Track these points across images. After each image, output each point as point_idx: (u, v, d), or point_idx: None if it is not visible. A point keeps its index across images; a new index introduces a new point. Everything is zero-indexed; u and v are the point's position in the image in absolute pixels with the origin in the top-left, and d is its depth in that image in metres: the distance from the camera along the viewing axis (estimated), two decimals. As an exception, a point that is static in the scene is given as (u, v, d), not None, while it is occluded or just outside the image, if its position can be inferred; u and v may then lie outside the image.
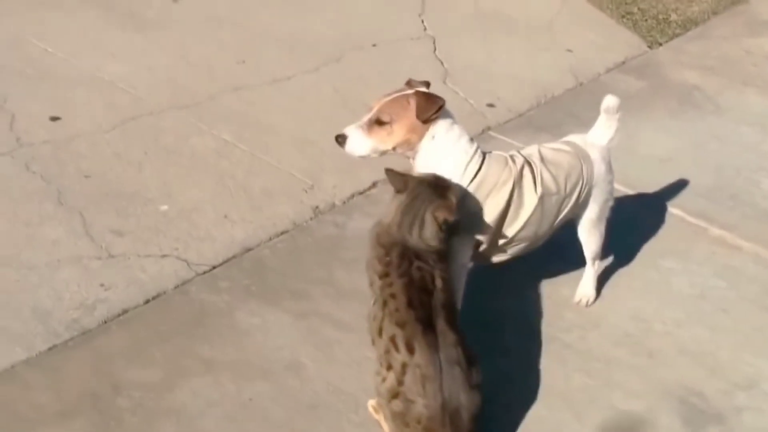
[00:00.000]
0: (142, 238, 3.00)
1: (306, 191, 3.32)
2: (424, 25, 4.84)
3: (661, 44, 4.86)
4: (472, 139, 2.53)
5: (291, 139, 3.67)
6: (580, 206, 2.70)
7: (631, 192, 3.43)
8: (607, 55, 4.66)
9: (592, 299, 2.89)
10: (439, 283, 2.25)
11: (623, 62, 4.60)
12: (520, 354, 2.67)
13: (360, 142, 2.45)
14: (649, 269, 3.10)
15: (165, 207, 3.17)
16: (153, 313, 2.69)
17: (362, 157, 2.50)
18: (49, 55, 4.14)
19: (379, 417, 2.31)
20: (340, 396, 2.44)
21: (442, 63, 4.43)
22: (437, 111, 2.42)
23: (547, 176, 2.55)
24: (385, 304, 2.22)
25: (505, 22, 4.96)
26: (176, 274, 2.84)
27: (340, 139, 2.46)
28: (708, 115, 4.15)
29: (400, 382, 2.13)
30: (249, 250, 2.98)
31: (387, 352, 2.17)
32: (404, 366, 2.13)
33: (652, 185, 3.52)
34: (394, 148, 2.46)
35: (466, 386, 2.15)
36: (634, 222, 3.27)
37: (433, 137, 2.44)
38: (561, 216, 2.63)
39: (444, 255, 2.32)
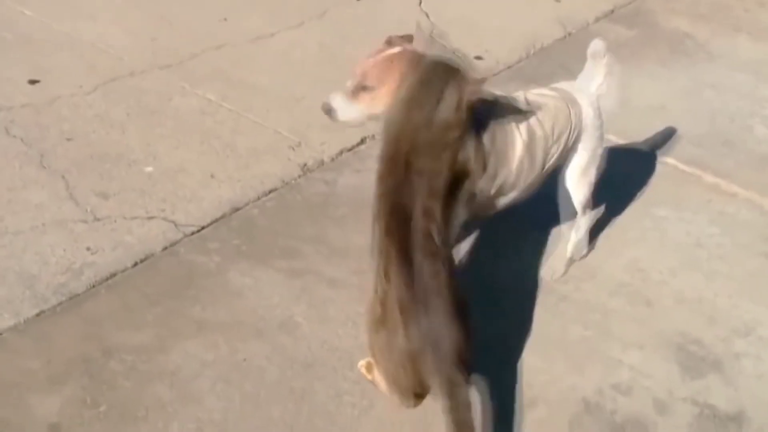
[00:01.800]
0: (128, 200, 2.93)
1: (293, 149, 3.26)
2: (410, -22, 4.74)
3: (650, -8, 4.78)
4: None
5: (276, 97, 3.60)
6: (569, 152, 2.61)
7: (623, 142, 3.38)
8: (596, 3, 4.59)
9: (559, 274, 2.75)
10: (419, 210, 2.00)
11: (612, 11, 4.53)
12: (515, 306, 2.63)
13: (346, 110, 2.34)
14: (643, 218, 3.06)
15: (150, 168, 3.10)
16: (142, 275, 2.63)
17: (350, 124, 2.41)
18: (26, 17, 4.04)
19: (372, 376, 2.27)
20: (335, 353, 2.40)
21: (427, 16, 4.34)
22: None
23: (532, 121, 2.46)
24: (375, 223, 2.05)
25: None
26: (164, 235, 2.78)
27: (326, 108, 2.35)
28: (700, 63, 4.10)
29: (383, 311, 2.02)
30: (237, 209, 2.92)
31: (377, 276, 2.04)
32: (386, 294, 2.01)
33: (644, 134, 3.48)
34: (375, 113, 2.30)
35: (448, 318, 1.97)
36: (627, 172, 3.22)
37: None
38: (549, 162, 2.53)
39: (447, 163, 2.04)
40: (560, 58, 4.02)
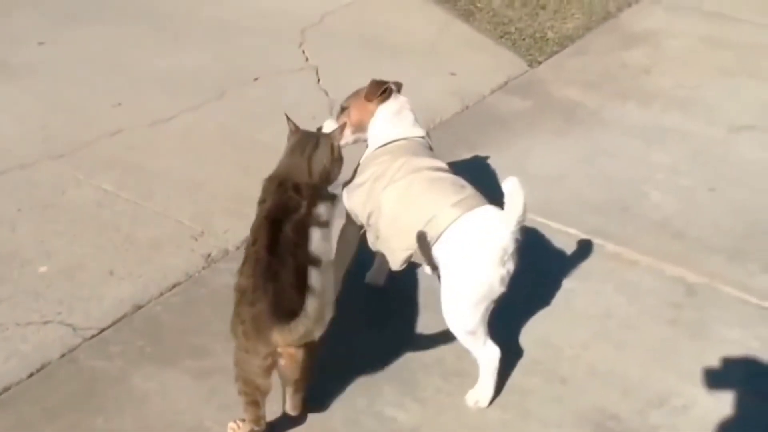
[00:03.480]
0: (21, 304, 2.78)
1: (196, 239, 3.16)
2: (306, 56, 4.75)
3: (540, 62, 4.93)
4: (417, 126, 2.75)
5: (176, 183, 3.51)
6: None
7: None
8: (490, 75, 4.69)
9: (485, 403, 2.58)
10: (303, 209, 2.31)
11: (506, 82, 4.63)
12: (429, 394, 2.60)
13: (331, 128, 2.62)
14: (551, 291, 3.08)
15: (44, 268, 2.95)
16: (38, 387, 2.48)
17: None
18: None
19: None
20: (250, 459, 2.30)
21: (326, 93, 4.35)
22: (382, 93, 2.69)
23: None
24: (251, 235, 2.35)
25: (389, 48, 4.93)
26: (61, 341, 2.63)
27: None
28: (593, 130, 4.22)
29: (240, 273, 2.28)
30: (140, 307, 2.81)
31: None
32: (247, 256, 2.28)
33: (545, 205, 3.53)
34: (353, 132, 2.72)
35: (294, 280, 2.17)
36: (532, 244, 3.26)
37: (378, 117, 2.69)
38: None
39: (320, 196, 2.35)
40: (459, 131, 4.08)
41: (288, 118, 2.54)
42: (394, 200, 2.54)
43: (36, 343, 2.62)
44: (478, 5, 5.54)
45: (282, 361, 2.20)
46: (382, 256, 2.74)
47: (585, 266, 3.22)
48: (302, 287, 2.08)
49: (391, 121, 2.71)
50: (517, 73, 4.76)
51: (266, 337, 2.15)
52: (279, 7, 5.34)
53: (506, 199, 2.34)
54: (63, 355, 2.58)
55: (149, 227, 3.21)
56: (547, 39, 5.17)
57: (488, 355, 2.53)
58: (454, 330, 2.50)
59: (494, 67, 4.79)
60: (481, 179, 3.45)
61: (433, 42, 5.10)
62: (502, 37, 5.16)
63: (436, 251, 2.46)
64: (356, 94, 2.78)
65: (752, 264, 3.27)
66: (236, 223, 3.22)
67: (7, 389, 2.44)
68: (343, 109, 2.78)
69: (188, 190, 3.46)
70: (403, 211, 2.52)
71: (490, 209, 2.49)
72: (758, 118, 4.35)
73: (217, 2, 5.36)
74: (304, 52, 4.80)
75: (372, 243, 2.69)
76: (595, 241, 3.36)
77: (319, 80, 4.49)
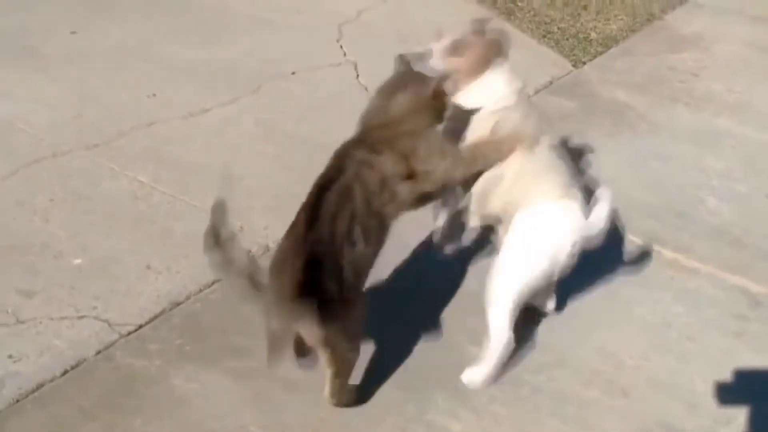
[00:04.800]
0: (55, 297, 2.65)
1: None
2: (344, 51, 4.62)
3: (584, 63, 4.77)
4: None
5: (214, 177, 3.37)
6: None
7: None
8: (535, 75, 4.53)
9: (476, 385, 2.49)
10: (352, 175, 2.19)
11: (551, 82, 4.48)
12: (483, 403, 2.45)
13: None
14: (608, 298, 2.93)
15: (78, 260, 2.82)
16: (73, 385, 2.35)
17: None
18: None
19: None
20: (297, 466, 2.16)
21: (366, 89, 4.21)
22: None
23: None
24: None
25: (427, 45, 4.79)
26: (97, 337, 2.50)
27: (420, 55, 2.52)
28: (643, 133, 4.06)
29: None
30: (178, 304, 2.67)
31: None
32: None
33: (598, 209, 3.39)
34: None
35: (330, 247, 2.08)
36: (587, 250, 3.11)
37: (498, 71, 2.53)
38: None
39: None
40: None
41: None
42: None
43: (70, 338, 2.49)
44: (519, 4, 5.40)
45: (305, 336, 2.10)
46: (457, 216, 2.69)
47: (643, 273, 3.06)
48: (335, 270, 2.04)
49: (509, 80, 2.55)
50: (561, 74, 4.61)
51: (284, 315, 2.03)
52: (314, 3, 5.22)
53: (593, 209, 2.39)
54: (99, 352, 2.46)
55: (186, 221, 3.07)
56: (591, 39, 5.01)
57: (507, 341, 2.45)
58: (495, 304, 2.43)
59: (538, 66, 4.64)
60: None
61: (473, 41, 4.95)
62: (544, 36, 5.01)
63: (514, 223, 2.42)
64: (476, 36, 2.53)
65: (818, 275, 3.11)
66: (276, 219, 3.08)
67: (40, 386, 2.32)
68: (455, 49, 2.51)
69: (226, 185, 3.33)
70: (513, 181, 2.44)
71: (575, 207, 2.41)
72: (813, 124, 4.20)
73: (252, -3, 5.24)
74: (342, 47, 4.67)
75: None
76: (653, 246, 3.20)
77: (358, 75, 4.36)
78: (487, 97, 2.53)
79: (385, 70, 4.36)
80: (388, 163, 2.24)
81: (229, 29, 4.80)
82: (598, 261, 3.07)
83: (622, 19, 5.34)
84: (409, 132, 2.32)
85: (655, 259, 3.15)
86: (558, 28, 5.13)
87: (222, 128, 3.79)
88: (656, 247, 3.20)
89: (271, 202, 3.21)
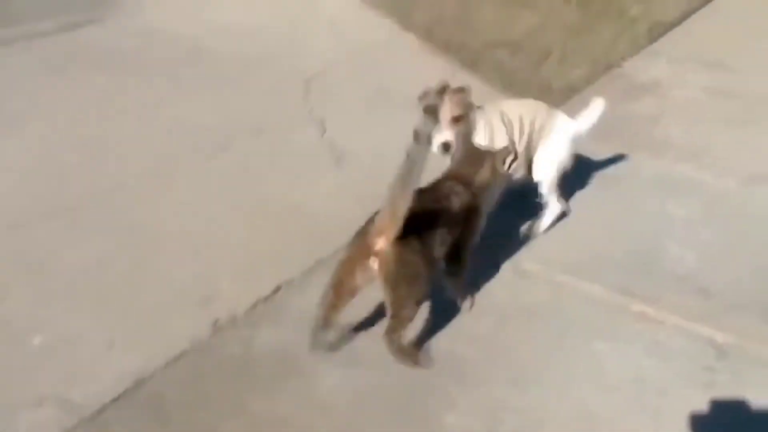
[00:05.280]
0: (13, 381, 2.56)
1: (203, 303, 2.97)
2: (311, 107, 4.62)
3: (546, 113, 4.81)
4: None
5: (180, 242, 3.33)
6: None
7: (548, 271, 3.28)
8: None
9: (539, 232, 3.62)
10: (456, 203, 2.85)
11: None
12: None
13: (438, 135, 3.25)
14: (580, 353, 2.92)
15: (38, 339, 2.75)
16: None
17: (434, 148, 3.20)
18: None
19: None
20: None
21: (333, 146, 4.21)
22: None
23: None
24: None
25: (395, 99, 4.79)
26: (59, 422, 2.41)
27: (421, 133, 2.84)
28: (606, 182, 4.09)
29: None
30: (143, 381, 2.60)
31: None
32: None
33: (567, 261, 3.39)
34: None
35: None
36: (556, 302, 3.12)
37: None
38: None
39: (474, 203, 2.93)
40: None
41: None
42: None
43: (29, 424, 2.40)
44: (483, 54, 5.46)
45: (374, 264, 2.55)
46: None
47: (613, 326, 3.06)
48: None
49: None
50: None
51: (365, 232, 2.57)
52: (282, 58, 5.23)
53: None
54: (60, 438, 2.38)
55: (151, 291, 3.02)
56: (553, 89, 5.07)
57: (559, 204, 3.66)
58: (548, 181, 3.60)
59: (501, 117, 4.67)
60: (496, 234, 3.34)
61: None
62: (508, 87, 5.06)
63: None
64: (454, 103, 3.29)
65: (782, 322, 3.13)
66: (245, 284, 3.05)
67: (-3, 479, 2.24)
68: (455, 119, 3.29)
69: (193, 250, 3.28)
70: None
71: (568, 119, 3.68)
72: (772, 168, 4.26)
73: (217, 53, 5.23)
74: (308, 103, 4.67)
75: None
76: (620, 299, 3.20)
77: (325, 132, 4.35)
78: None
79: (352, 127, 4.40)
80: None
81: (197, 86, 4.77)
82: (567, 314, 3.09)
83: (582, 68, 5.42)
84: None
85: (624, 312, 3.14)
86: (520, 78, 5.19)
87: (188, 190, 3.75)
88: (624, 299, 3.20)
89: (240, 266, 3.17)
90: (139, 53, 5.13)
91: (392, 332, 2.67)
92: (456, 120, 3.26)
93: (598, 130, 4.55)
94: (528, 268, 3.37)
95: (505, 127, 3.45)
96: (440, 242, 2.72)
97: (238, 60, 5.15)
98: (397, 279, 2.58)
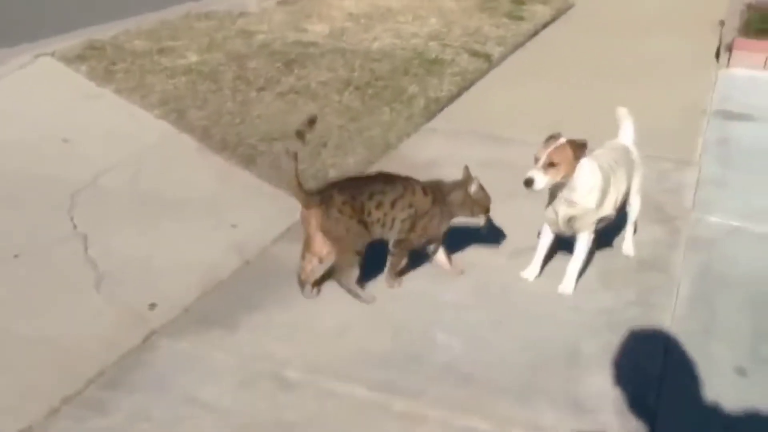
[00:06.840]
0: None
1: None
2: (74, 223, 4.43)
3: (324, 203, 4.84)
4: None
5: None
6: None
7: (309, 377, 3.26)
8: (273, 224, 4.55)
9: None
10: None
11: (288, 229, 4.48)
12: None
13: (542, 180, 3.66)
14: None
15: None
16: None
17: (540, 190, 3.73)
18: None
19: None
20: None
21: (95, 264, 4.04)
22: (584, 151, 3.71)
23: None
24: None
25: (169, 204, 4.71)
26: None
27: (529, 181, 3.64)
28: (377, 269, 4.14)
29: None
30: None
31: None
32: None
33: (329, 363, 3.38)
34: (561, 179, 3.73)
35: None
36: (311, 413, 3.08)
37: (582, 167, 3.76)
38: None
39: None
40: (241, 289, 3.89)
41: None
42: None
43: None
44: (260, 149, 5.45)
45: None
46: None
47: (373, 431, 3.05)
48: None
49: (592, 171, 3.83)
50: (296, 222, 4.62)
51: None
52: (48, 172, 4.98)
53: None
54: None
55: None
56: (329, 177, 5.12)
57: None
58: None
59: (276, 214, 4.66)
60: (262, 343, 3.27)
61: (214, 193, 4.93)
62: (282, 180, 5.06)
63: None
64: (559, 151, 3.65)
65: (540, 401, 3.23)
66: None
67: None
68: (551, 165, 3.64)
69: None
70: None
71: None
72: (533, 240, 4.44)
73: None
74: (72, 218, 4.48)
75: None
76: (383, 398, 3.21)
77: (87, 249, 4.18)
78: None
79: (119, 240, 4.24)
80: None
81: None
82: (326, 425, 3.05)
83: (360, 153, 5.52)
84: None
85: (386, 413, 3.14)
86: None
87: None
88: (387, 398, 3.21)
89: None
90: None
91: (338, 275, 3.80)
92: (551, 165, 3.64)
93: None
94: (292, 376, 3.32)
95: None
96: (377, 208, 3.71)
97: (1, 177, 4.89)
98: (325, 233, 3.67)
